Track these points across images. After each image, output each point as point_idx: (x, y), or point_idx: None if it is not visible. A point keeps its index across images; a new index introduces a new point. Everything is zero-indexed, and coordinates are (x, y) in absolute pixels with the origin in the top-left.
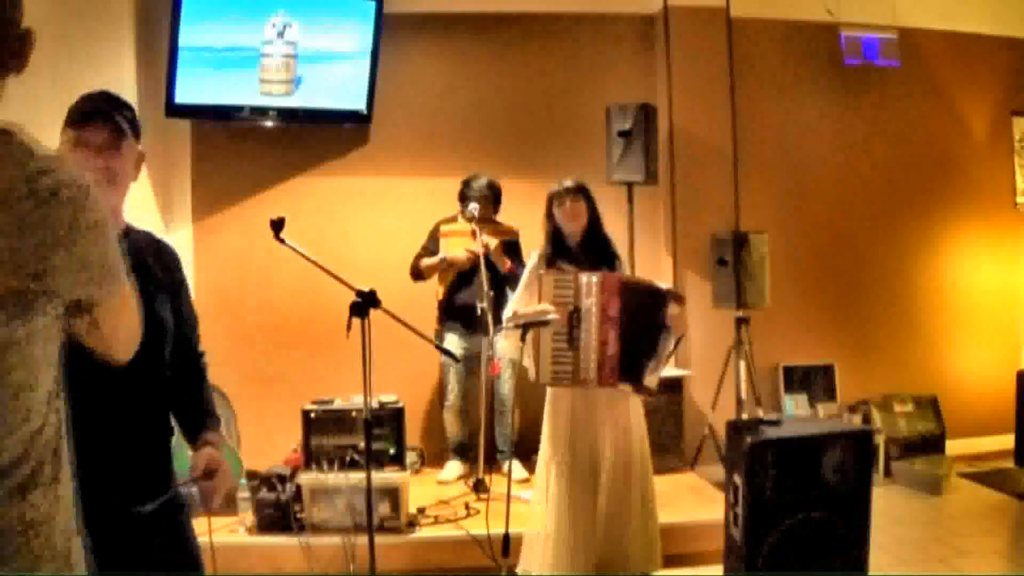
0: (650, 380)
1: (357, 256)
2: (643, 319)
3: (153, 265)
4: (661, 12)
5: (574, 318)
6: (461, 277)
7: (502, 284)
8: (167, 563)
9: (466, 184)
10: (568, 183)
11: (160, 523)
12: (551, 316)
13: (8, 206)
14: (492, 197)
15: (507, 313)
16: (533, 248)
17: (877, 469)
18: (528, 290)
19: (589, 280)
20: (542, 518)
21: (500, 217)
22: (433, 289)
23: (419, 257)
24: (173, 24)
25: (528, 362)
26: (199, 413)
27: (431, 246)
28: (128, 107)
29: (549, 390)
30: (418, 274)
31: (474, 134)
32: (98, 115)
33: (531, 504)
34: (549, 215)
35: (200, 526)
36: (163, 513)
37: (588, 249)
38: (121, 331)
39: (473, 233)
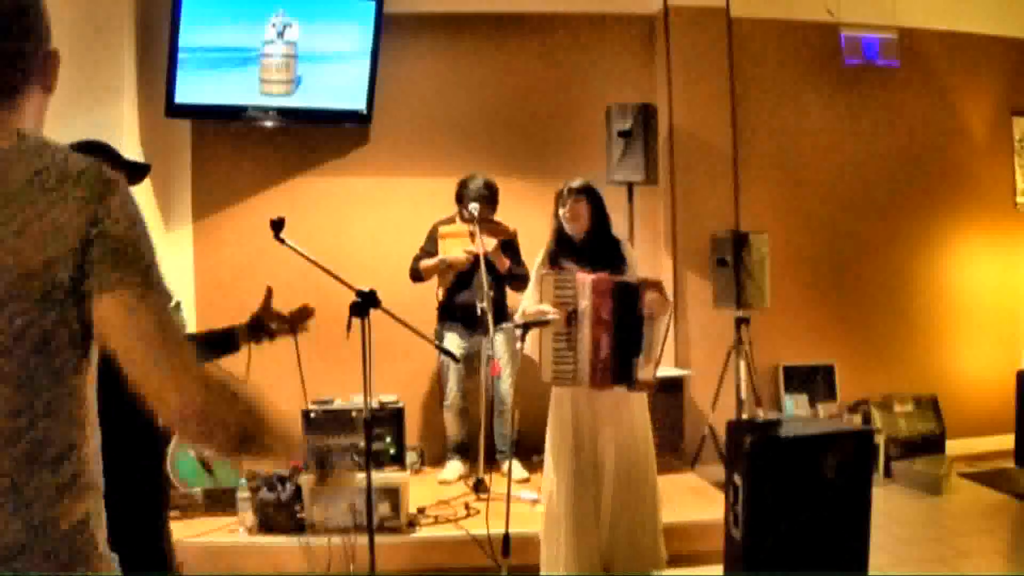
0: (644, 374)
1: (357, 256)
2: (629, 318)
3: None
4: (661, 12)
5: (572, 319)
6: (461, 277)
7: (502, 283)
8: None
9: (463, 185)
10: (573, 183)
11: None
12: (551, 316)
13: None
14: (490, 197)
15: (519, 311)
16: (533, 247)
17: (877, 469)
18: (536, 289)
19: (584, 281)
20: (549, 518)
21: (499, 216)
22: (432, 289)
23: (418, 259)
24: (173, 24)
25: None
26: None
27: (429, 248)
28: None
29: (553, 390)
30: (417, 276)
31: (474, 134)
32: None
33: (540, 505)
34: (556, 214)
35: (202, 526)
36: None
37: (592, 249)
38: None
39: (471, 234)
